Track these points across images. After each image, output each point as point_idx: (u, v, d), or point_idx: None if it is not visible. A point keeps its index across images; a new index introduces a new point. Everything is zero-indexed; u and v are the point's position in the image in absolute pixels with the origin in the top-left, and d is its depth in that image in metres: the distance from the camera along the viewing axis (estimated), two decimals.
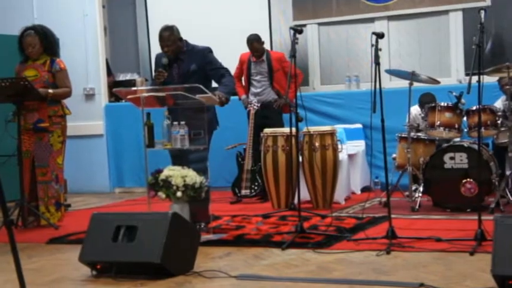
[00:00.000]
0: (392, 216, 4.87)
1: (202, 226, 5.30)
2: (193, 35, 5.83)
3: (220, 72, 5.61)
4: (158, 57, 5.76)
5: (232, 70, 7.14)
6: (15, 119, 6.17)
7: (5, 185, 3.10)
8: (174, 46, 5.55)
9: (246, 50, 7.78)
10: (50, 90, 6.17)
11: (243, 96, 7.73)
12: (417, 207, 6.16)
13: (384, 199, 6.05)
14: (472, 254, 4.34)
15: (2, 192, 3.11)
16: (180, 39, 5.60)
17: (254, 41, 7.63)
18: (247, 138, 7.42)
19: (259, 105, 7.48)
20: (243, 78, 7.86)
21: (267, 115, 7.52)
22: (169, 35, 5.54)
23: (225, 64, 5.71)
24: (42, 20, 7.61)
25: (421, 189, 6.27)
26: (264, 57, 7.69)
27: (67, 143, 6.40)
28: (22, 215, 6.15)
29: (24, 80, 5.98)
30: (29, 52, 6.26)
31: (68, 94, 6.35)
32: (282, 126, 7.29)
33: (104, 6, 9.35)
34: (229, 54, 7.41)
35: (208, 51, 5.66)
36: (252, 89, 7.74)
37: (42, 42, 6.27)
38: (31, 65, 6.30)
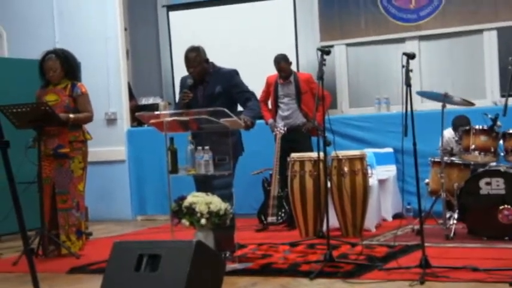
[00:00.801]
0: (426, 244, 4.82)
1: (227, 255, 5.29)
2: (218, 57, 5.87)
3: (245, 95, 5.63)
4: (183, 80, 5.80)
5: (258, 92, 7.17)
6: (35, 144, 6.24)
7: (25, 213, 3.14)
8: (199, 67, 5.59)
9: (272, 72, 7.80)
10: (71, 115, 6.24)
11: (270, 120, 7.74)
12: (452, 235, 6.09)
13: (417, 226, 5.99)
14: (511, 284, 4.27)
15: (23, 221, 3.14)
16: (206, 60, 5.64)
17: (281, 61, 7.64)
18: (274, 163, 7.42)
19: (285, 129, 7.48)
20: (269, 102, 7.87)
21: (295, 139, 7.50)
22: (195, 56, 5.58)
23: (250, 86, 5.73)
24: (63, 44, 7.73)
25: (455, 216, 6.21)
26: (292, 79, 7.70)
27: (88, 169, 6.45)
28: (42, 243, 6.19)
29: (44, 105, 6.05)
30: (49, 76, 6.35)
31: (89, 119, 6.41)
32: (311, 150, 7.27)
33: (126, 29, 9.45)
34: (255, 77, 7.45)
35: (234, 73, 5.69)
36: (280, 112, 7.73)
37: (63, 66, 6.35)
38: (52, 90, 6.37)
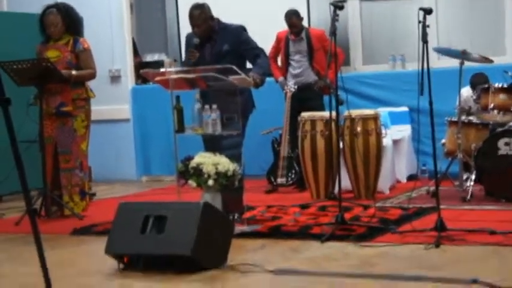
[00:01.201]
0: (441, 206, 4.81)
1: (235, 217, 5.32)
2: (225, 13, 5.83)
3: (254, 52, 5.61)
4: (189, 37, 5.77)
5: (267, 49, 7.12)
6: (37, 102, 6.24)
7: (27, 173, 3.14)
8: (205, 25, 5.55)
9: (281, 28, 7.74)
10: (74, 72, 6.22)
11: (280, 78, 7.68)
12: (468, 197, 6.09)
13: (432, 188, 6.00)
14: None
15: (25, 180, 3.15)
16: (212, 17, 5.60)
17: (293, 16, 7.57)
18: (284, 122, 7.41)
19: (296, 87, 7.44)
20: (279, 59, 7.81)
21: (307, 97, 7.46)
22: (200, 14, 5.54)
23: (259, 43, 5.69)
24: None
25: (472, 177, 6.20)
26: (303, 35, 7.63)
27: (91, 128, 6.46)
28: (45, 204, 6.23)
29: (46, 61, 6.04)
30: (51, 31, 6.32)
31: (92, 76, 6.41)
32: (323, 109, 7.25)
33: None
34: (264, 33, 7.39)
35: (241, 29, 5.66)
36: (291, 70, 7.68)
37: (64, 21, 6.32)
38: (53, 45, 6.36)
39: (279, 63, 7.83)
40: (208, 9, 5.60)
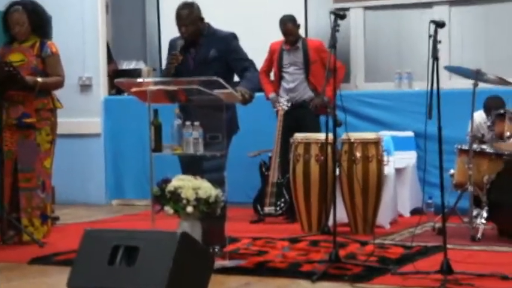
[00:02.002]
0: (448, 246, 4.84)
1: (216, 249, 5.31)
2: (214, 20, 5.84)
3: (244, 64, 5.63)
4: (173, 42, 5.79)
5: (260, 63, 7.13)
6: None
7: None
8: (193, 27, 5.58)
9: (276, 38, 7.76)
10: (39, 79, 6.23)
11: (272, 95, 7.69)
12: (479, 236, 6.11)
13: (438, 224, 6.01)
14: None
15: None
16: (202, 19, 5.64)
17: (288, 22, 7.59)
18: (274, 144, 7.42)
19: (289, 104, 7.46)
20: (272, 73, 7.83)
21: (301, 116, 7.48)
22: (189, 14, 5.58)
23: (251, 55, 5.72)
24: None
25: (484, 214, 6.22)
26: (300, 45, 7.66)
27: (57, 143, 6.46)
28: (1, 228, 6.21)
29: (8, 66, 6.05)
30: (15, 32, 6.34)
31: (60, 84, 6.42)
32: (319, 130, 7.26)
33: None
34: (256, 44, 7.41)
35: (232, 37, 5.70)
36: (284, 84, 7.69)
37: (31, 20, 6.34)
38: (17, 48, 6.37)
39: (272, 77, 7.85)
40: (198, 10, 5.64)
